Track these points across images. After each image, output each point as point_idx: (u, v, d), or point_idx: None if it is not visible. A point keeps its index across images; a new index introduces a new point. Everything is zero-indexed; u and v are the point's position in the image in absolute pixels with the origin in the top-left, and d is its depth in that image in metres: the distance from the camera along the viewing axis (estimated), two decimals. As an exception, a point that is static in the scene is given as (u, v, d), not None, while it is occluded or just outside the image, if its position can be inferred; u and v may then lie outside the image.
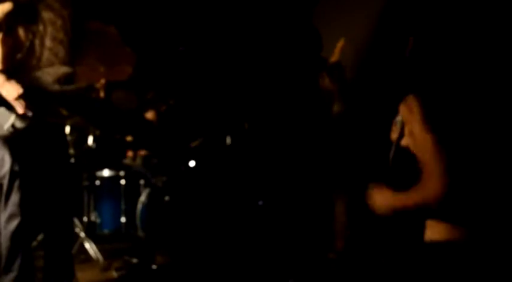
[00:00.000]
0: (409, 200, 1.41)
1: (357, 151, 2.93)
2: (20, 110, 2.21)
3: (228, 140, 3.73)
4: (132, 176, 3.70)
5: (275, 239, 3.32)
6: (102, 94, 2.36)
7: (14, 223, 2.26)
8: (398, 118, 1.54)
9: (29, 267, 2.32)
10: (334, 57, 2.95)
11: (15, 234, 2.26)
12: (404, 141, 1.51)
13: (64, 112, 2.49)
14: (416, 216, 1.45)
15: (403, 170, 1.52)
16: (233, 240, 3.35)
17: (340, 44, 2.95)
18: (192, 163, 3.71)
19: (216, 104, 4.01)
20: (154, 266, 3.11)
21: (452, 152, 1.37)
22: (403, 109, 1.44)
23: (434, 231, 1.41)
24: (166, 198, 3.35)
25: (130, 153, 3.80)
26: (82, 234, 3.31)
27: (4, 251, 2.28)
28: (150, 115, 3.70)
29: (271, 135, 3.59)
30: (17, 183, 2.25)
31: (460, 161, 1.37)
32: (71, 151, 3.39)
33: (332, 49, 3.30)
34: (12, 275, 2.27)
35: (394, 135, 1.57)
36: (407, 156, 1.49)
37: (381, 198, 1.51)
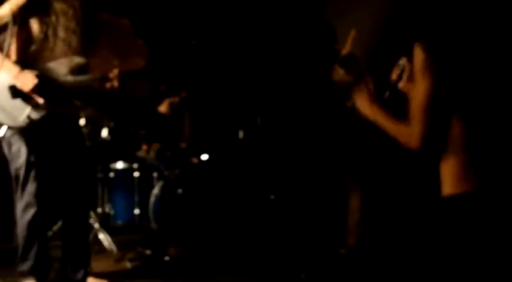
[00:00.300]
0: (392, 129, 1.49)
1: (372, 145, 2.92)
2: (39, 100, 2.23)
3: (241, 134, 3.74)
4: (146, 168, 3.73)
5: (287, 233, 3.33)
6: (115, 84, 2.37)
7: (30, 213, 2.30)
8: (401, 61, 1.57)
9: (45, 256, 2.35)
10: (346, 49, 2.94)
11: (31, 224, 2.30)
12: (401, 84, 1.56)
13: (78, 103, 2.52)
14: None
15: (394, 112, 1.55)
16: (245, 233, 3.37)
17: (351, 35, 2.93)
18: (204, 156, 3.73)
19: (229, 98, 4.02)
20: (167, 258, 3.13)
21: (445, 102, 1.40)
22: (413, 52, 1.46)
23: (448, 183, 1.43)
24: (179, 190, 3.37)
25: (144, 146, 3.83)
26: (96, 225, 3.35)
27: (21, 240, 2.32)
28: (163, 108, 3.72)
29: (284, 129, 3.60)
30: (33, 174, 2.29)
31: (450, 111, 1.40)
32: (86, 143, 3.42)
33: (343, 41, 3.29)
34: (28, 264, 2.31)
35: (393, 77, 1.61)
36: (400, 99, 1.55)
37: (365, 104, 1.58)
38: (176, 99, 3.66)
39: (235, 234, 3.35)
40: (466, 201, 1.38)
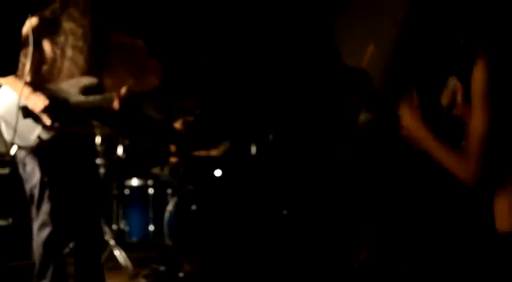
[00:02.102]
0: (445, 158, 1.30)
1: (385, 160, 2.91)
2: (47, 121, 2.27)
3: (253, 150, 3.75)
4: (160, 185, 3.75)
5: (301, 249, 3.31)
6: (116, 105, 2.38)
7: (46, 231, 2.32)
8: (452, 82, 1.38)
9: (61, 274, 2.37)
10: (363, 63, 2.92)
11: (47, 242, 2.32)
12: (457, 111, 1.37)
13: (92, 122, 2.55)
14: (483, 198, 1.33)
15: (451, 139, 1.37)
16: (259, 249, 3.36)
17: (370, 49, 2.89)
18: (218, 172, 3.74)
19: (241, 115, 4.04)
20: (181, 274, 3.14)
21: (504, 133, 1.25)
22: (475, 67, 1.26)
23: (505, 217, 1.30)
24: (193, 207, 3.39)
25: (173, 159, 3.85)
26: (112, 242, 3.38)
27: (37, 258, 2.34)
28: (177, 125, 3.76)
29: (296, 145, 3.60)
30: (47, 193, 2.31)
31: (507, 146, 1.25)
32: (101, 161, 3.47)
33: (359, 54, 3.29)
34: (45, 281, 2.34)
35: (444, 100, 1.42)
36: (457, 125, 1.36)
37: (416, 126, 1.38)
38: (190, 117, 3.70)
39: (249, 250, 3.34)
40: None
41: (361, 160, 3.02)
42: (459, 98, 1.36)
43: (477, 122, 1.24)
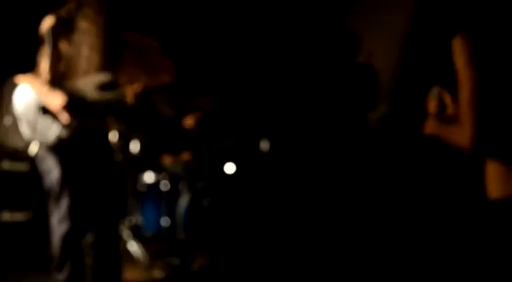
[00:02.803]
0: (447, 135, 1.39)
1: (402, 153, 2.92)
2: (65, 119, 2.33)
3: (266, 145, 3.79)
4: (174, 180, 3.82)
5: (313, 243, 3.35)
6: (130, 100, 2.44)
7: (65, 226, 2.37)
8: (435, 91, 1.47)
9: (79, 267, 2.44)
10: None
11: (65, 236, 2.37)
12: (450, 110, 1.45)
13: (108, 119, 2.61)
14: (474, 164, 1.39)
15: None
16: (272, 243, 3.41)
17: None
18: (230, 168, 3.79)
19: (252, 111, 4.08)
20: (195, 268, 3.20)
21: (493, 94, 1.31)
22: (454, 45, 1.36)
23: (495, 184, 1.34)
24: (206, 201, 3.45)
25: (170, 157, 3.92)
26: (127, 235, 3.45)
27: (56, 252, 2.40)
28: (188, 121, 3.81)
29: (309, 140, 3.63)
30: (66, 189, 2.36)
31: (499, 106, 1.31)
32: (117, 156, 3.53)
33: (368, 50, 3.31)
34: (64, 274, 2.40)
35: (432, 107, 1.51)
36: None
37: (429, 126, 1.49)
38: (201, 113, 3.75)
39: (261, 243, 3.39)
40: None
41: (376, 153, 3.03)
42: (448, 100, 1.45)
43: (463, 90, 1.32)
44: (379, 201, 3.08)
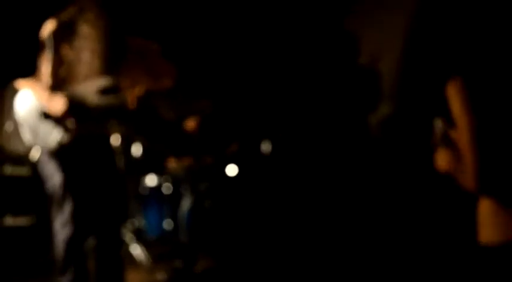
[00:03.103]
0: (456, 174, 1.35)
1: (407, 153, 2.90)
2: (66, 124, 2.34)
3: (267, 148, 3.79)
4: (176, 182, 3.82)
5: (317, 245, 3.35)
6: (132, 104, 2.45)
7: (67, 230, 2.38)
8: (438, 124, 1.44)
9: (83, 271, 2.44)
10: None
11: (68, 241, 2.38)
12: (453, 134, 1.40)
13: (110, 122, 2.62)
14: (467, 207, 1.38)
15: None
16: (275, 245, 3.41)
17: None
18: (231, 171, 3.79)
19: (253, 113, 4.08)
20: (198, 270, 3.21)
21: (493, 138, 1.29)
22: (448, 90, 1.34)
23: (488, 229, 1.29)
24: (209, 204, 3.45)
25: (173, 160, 3.93)
26: (130, 238, 3.46)
27: (59, 255, 2.40)
28: (190, 124, 3.82)
29: (309, 142, 3.63)
30: (68, 194, 2.37)
31: (499, 150, 1.28)
32: (119, 159, 3.54)
33: (365, 55, 3.32)
34: (67, 278, 2.40)
35: (437, 141, 1.48)
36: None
37: (440, 159, 1.43)
38: (202, 116, 3.75)
39: (263, 245, 3.39)
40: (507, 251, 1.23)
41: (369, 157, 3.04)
42: (452, 132, 1.41)
43: (462, 134, 1.31)
44: (377, 204, 3.08)
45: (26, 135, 2.41)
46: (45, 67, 2.38)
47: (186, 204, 3.56)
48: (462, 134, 1.32)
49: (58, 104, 2.32)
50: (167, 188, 3.79)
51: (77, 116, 2.35)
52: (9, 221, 3.26)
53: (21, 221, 3.37)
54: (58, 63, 2.41)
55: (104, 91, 2.43)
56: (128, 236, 3.48)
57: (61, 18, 2.42)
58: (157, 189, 3.81)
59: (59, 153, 2.37)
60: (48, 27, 2.38)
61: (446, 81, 1.44)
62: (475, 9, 1.38)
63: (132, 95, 2.47)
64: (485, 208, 1.30)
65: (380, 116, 3.08)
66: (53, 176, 2.39)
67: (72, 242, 2.39)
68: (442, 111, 1.43)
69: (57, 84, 2.39)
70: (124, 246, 3.38)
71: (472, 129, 1.29)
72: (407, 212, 2.68)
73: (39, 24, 2.42)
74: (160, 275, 3.14)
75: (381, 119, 3.09)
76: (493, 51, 1.35)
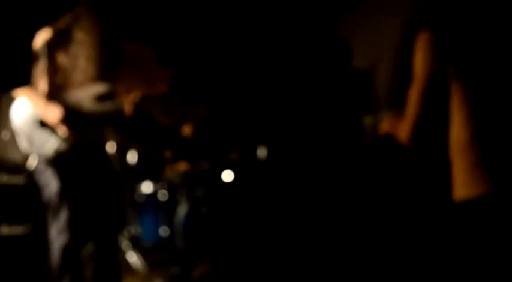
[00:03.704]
0: (396, 132, 1.42)
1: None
2: (62, 131, 2.33)
3: (263, 153, 3.80)
4: (172, 189, 3.82)
5: (314, 250, 3.35)
6: (128, 109, 2.45)
7: (64, 238, 2.37)
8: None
9: (79, 279, 2.43)
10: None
11: (65, 248, 2.37)
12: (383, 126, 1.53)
13: (106, 129, 2.62)
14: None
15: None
16: (271, 251, 3.41)
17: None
18: (228, 176, 3.79)
19: (249, 119, 4.09)
20: (195, 276, 3.20)
21: (448, 85, 1.30)
22: (417, 40, 1.38)
23: (461, 186, 1.31)
24: (204, 209, 3.45)
25: (170, 167, 3.93)
26: (126, 245, 3.45)
27: (55, 264, 2.39)
28: (186, 129, 3.82)
29: (304, 147, 3.64)
30: (64, 201, 2.36)
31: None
32: (115, 166, 3.53)
33: (359, 58, 3.33)
34: (63, 286, 2.40)
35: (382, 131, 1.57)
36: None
37: (383, 124, 1.55)
38: (196, 122, 3.76)
39: (260, 251, 3.39)
40: (482, 206, 1.25)
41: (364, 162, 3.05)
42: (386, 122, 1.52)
43: (415, 83, 1.35)
44: (372, 207, 3.09)
45: (23, 144, 2.40)
46: (41, 75, 2.38)
47: (182, 210, 3.55)
48: (415, 83, 1.34)
49: (54, 112, 2.32)
50: (163, 195, 3.79)
51: (73, 124, 2.35)
52: (5, 230, 3.24)
53: (16, 230, 3.35)
54: (54, 71, 2.41)
55: (99, 97, 2.43)
56: (124, 243, 3.47)
57: (56, 26, 2.42)
58: (153, 196, 3.80)
59: (55, 161, 2.37)
60: (43, 36, 2.38)
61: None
62: (471, 10, 1.40)
63: (127, 101, 2.47)
64: (458, 165, 1.31)
65: (376, 120, 3.09)
66: (49, 184, 2.38)
67: (68, 249, 2.38)
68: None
69: (53, 92, 2.39)
70: (120, 253, 3.38)
71: (427, 78, 1.31)
72: (402, 214, 2.69)
73: (35, 33, 2.42)
74: (157, 282, 3.14)
75: (377, 122, 3.10)
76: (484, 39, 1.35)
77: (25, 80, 2.46)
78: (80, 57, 2.43)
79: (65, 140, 2.35)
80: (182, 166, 3.83)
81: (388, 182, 2.94)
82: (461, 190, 1.30)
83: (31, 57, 2.40)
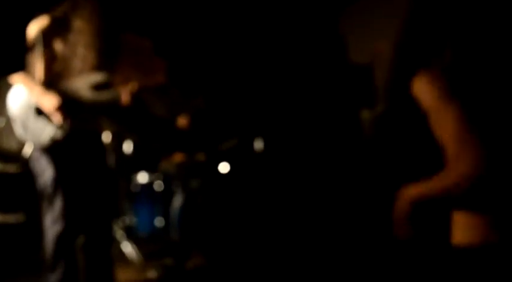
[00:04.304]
0: (435, 186, 1.19)
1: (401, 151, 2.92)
2: (59, 120, 2.32)
3: (260, 145, 3.80)
4: (168, 180, 3.82)
5: (309, 243, 3.36)
6: (126, 99, 2.45)
7: (58, 227, 2.37)
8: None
9: (73, 268, 2.43)
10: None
11: (58, 238, 2.37)
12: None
13: (102, 119, 2.61)
14: (441, 209, 1.24)
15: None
16: (267, 243, 3.41)
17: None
18: (224, 168, 3.79)
19: (246, 111, 4.08)
20: (189, 268, 3.20)
21: (481, 123, 1.14)
22: (416, 85, 1.22)
23: (462, 230, 1.22)
24: (200, 201, 3.45)
25: (165, 159, 3.92)
26: (120, 236, 3.45)
27: (49, 253, 2.39)
28: (182, 120, 3.81)
29: (301, 139, 3.64)
30: (59, 190, 2.36)
31: (491, 134, 1.14)
32: (110, 156, 3.53)
33: (359, 54, 3.34)
34: (57, 275, 2.39)
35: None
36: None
37: (405, 192, 1.28)
38: (193, 113, 3.75)
39: (255, 243, 3.40)
40: (485, 254, 1.16)
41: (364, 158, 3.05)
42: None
43: (444, 127, 1.16)
44: (369, 201, 3.09)
45: (19, 131, 2.39)
46: (38, 63, 2.37)
47: (177, 201, 3.55)
48: (443, 126, 1.16)
49: (51, 100, 2.31)
50: (159, 186, 3.78)
51: (70, 112, 2.34)
52: (-1, 218, 3.24)
53: (10, 218, 3.35)
54: (51, 59, 2.40)
55: (97, 87, 2.42)
56: (118, 233, 3.47)
57: (54, 13, 2.40)
58: (148, 186, 3.80)
59: (51, 149, 2.36)
60: (38, 24, 2.36)
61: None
62: (468, 9, 1.39)
63: (125, 91, 2.46)
64: (459, 211, 1.21)
65: (374, 114, 3.10)
66: (45, 172, 2.37)
67: (62, 238, 2.38)
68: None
69: (52, 79, 2.38)
70: (115, 243, 3.37)
71: (459, 114, 1.13)
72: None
73: (27, 20, 2.40)
74: (151, 273, 3.13)
75: (374, 117, 3.10)
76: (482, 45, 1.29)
77: (21, 66, 2.44)
78: (78, 46, 2.42)
79: (61, 128, 2.34)
80: (178, 157, 3.82)
81: (384, 176, 2.95)
82: (460, 234, 1.21)
83: (21, 44, 2.38)
